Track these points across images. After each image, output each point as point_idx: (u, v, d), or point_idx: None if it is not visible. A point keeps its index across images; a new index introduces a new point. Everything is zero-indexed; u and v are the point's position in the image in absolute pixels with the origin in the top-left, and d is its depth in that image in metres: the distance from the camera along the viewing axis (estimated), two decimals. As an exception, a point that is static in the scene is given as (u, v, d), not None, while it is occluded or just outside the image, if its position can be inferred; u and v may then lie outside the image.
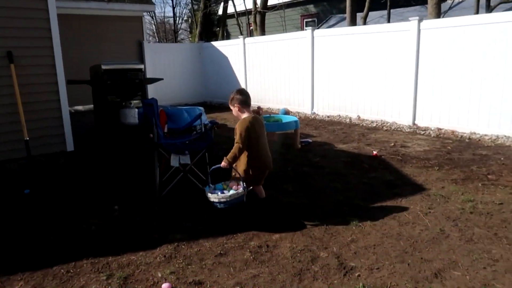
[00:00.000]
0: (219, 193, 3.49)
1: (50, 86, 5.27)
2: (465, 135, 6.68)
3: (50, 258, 3.05)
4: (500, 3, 11.72)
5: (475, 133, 6.65)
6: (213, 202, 3.47)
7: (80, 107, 11.49)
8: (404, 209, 3.84)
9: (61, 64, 5.31)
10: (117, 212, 3.91)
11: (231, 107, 3.77)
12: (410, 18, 7.47)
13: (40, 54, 5.16)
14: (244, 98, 3.75)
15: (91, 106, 8.21)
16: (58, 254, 3.11)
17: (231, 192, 3.49)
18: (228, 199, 3.41)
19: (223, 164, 3.52)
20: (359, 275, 2.75)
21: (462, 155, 5.58)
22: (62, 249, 3.20)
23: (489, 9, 11.25)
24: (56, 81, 5.29)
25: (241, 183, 3.53)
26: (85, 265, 2.95)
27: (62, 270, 2.87)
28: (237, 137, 3.57)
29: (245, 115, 3.73)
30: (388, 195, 4.21)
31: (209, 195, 3.49)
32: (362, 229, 3.45)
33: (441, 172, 4.88)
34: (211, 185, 3.63)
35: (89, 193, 4.50)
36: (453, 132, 6.91)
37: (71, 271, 2.87)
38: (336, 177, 4.88)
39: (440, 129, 7.13)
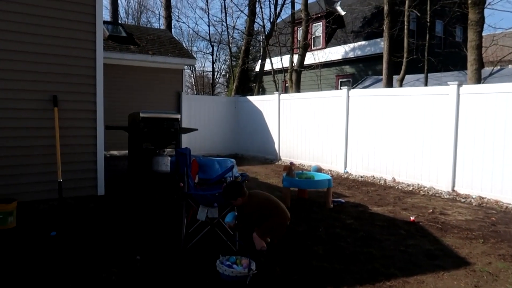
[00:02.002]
0: (224, 265, 3.50)
1: (89, 130, 5.43)
2: (510, 206, 6.24)
3: (67, 307, 2.92)
4: (543, 71, 11.46)
5: (521, 205, 6.20)
6: (218, 270, 3.49)
7: (115, 152, 11.80)
8: (447, 284, 3.49)
9: (101, 110, 5.50)
10: (139, 263, 3.77)
11: (236, 202, 3.85)
12: (449, 83, 7.37)
13: (83, 100, 5.38)
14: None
15: (126, 151, 8.39)
16: (75, 303, 2.98)
17: (237, 269, 3.47)
18: (230, 274, 3.41)
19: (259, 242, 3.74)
20: None
21: (509, 228, 5.15)
22: (80, 298, 3.06)
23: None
24: (95, 126, 5.46)
25: (253, 264, 3.50)
26: (101, 318, 2.79)
27: (77, 322, 2.72)
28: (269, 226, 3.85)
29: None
30: (429, 267, 3.87)
31: (217, 262, 3.55)
32: (400, 303, 3.13)
33: (487, 246, 4.49)
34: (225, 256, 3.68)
35: (114, 240, 4.41)
36: (496, 202, 6.48)
37: (86, 324, 2.71)
38: (371, 242, 4.58)
39: (482, 197, 6.72)
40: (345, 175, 9.26)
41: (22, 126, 4.94)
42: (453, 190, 7.23)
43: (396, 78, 13.62)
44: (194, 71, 34.09)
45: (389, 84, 12.90)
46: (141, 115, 7.25)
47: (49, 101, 5.07)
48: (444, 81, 7.91)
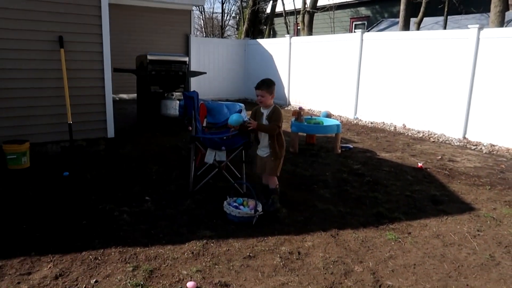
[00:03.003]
0: (231, 206, 3.57)
1: (96, 72, 5.36)
2: (521, 154, 6.18)
3: (80, 242, 3.05)
4: None
5: (533, 153, 6.13)
6: (225, 211, 3.57)
7: (124, 95, 11.78)
8: (450, 228, 3.55)
9: (108, 52, 5.40)
10: (149, 203, 3.89)
11: (268, 95, 3.65)
12: (469, 26, 7.01)
13: (89, 41, 5.25)
14: None
15: (135, 95, 8.36)
16: (88, 239, 3.11)
17: (244, 210, 3.54)
18: (236, 215, 3.48)
19: (251, 125, 3.59)
20: (396, 296, 2.54)
21: (518, 176, 5.14)
22: (93, 234, 3.20)
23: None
24: (102, 68, 5.38)
25: (259, 206, 3.56)
26: (113, 253, 2.92)
27: (91, 257, 2.86)
28: (278, 121, 3.62)
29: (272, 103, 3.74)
30: (433, 212, 3.92)
31: (225, 203, 3.61)
32: (402, 245, 3.21)
33: (493, 192, 4.51)
34: (232, 197, 3.74)
35: (124, 181, 4.53)
36: (508, 150, 6.41)
37: (99, 258, 2.85)
38: (377, 186, 4.63)
39: (494, 145, 6.64)
40: (355, 121, 9.18)
41: (30, 67, 4.90)
42: (464, 137, 7.15)
43: (413, 21, 13.02)
44: (203, 13, 33.02)
45: (406, 27, 12.36)
46: (149, 57, 7.13)
47: (55, 42, 4.97)
48: (465, 25, 7.52)
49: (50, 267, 2.71)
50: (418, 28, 12.69)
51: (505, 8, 8.96)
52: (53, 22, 4.98)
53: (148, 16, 11.69)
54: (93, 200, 3.91)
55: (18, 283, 2.53)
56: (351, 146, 6.59)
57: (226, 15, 31.54)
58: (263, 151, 3.75)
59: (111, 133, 5.61)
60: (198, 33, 32.72)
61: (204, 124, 5.15)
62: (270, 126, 3.64)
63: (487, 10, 10.44)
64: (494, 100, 6.70)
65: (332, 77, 10.05)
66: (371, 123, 8.87)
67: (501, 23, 8.76)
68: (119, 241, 3.10)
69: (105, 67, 5.40)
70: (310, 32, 15.10)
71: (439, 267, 2.90)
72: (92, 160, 5.21)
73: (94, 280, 2.59)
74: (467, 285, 2.68)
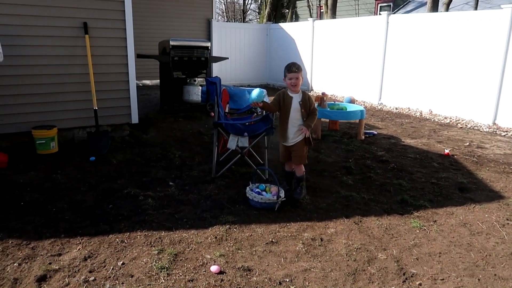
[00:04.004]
0: (254, 192, 3.57)
1: (120, 58, 5.41)
2: (555, 140, 5.94)
3: (108, 226, 3.14)
4: None
5: None
6: (248, 197, 3.58)
7: (147, 81, 11.90)
8: (478, 217, 3.46)
9: (131, 38, 5.42)
10: (173, 188, 3.94)
11: (301, 78, 3.62)
12: (502, 6, 6.69)
13: (113, 27, 5.29)
14: None
15: (158, 81, 8.43)
16: (115, 222, 3.19)
17: (266, 196, 3.55)
18: (259, 200, 3.49)
19: (307, 133, 3.56)
20: (420, 284, 2.51)
21: (550, 163, 4.95)
22: (119, 218, 3.27)
23: None
24: (126, 54, 5.42)
25: (282, 192, 3.55)
26: (139, 237, 2.99)
27: (117, 240, 2.94)
28: (313, 106, 3.64)
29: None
30: (460, 200, 3.83)
31: (247, 189, 3.63)
32: (427, 233, 3.16)
33: (524, 180, 4.36)
34: (255, 183, 3.76)
35: (148, 166, 4.60)
36: (540, 136, 6.17)
37: (126, 241, 2.92)
38: (402, 173, 4.55)
39: (525, 131, 6.41)
40: (379, 107, 9.00)
41: (55, 54, 4.98)
42: (494, 123, 6.91)
43: (442, 1, 12.55)
44: (225, -3, 32.75)
45: (434, 8, 11.93)
46: (171, 43, 7.14)
47: (80, 28, 5.03)
48: (497, 4, 7.19)
49: (79, 249, 2.80)
50: (447, 9, 12.23)
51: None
52: (78, 9, 5.04)
53: (169, 1, 11.69)
54: (118, 184, 4.00)
55: (50, 263, 2.62)
56: (375, 132, 6.47)
57: (248, -1, 31.18)
58: (291, 138, 3.69)
59: (135, 119, 5.68)
60: (219, 18, 32.55)
61: (227, 110, 5.16)
62: (313, 116, 3.64)
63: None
64: (527, 84, 6.43)
65: (356, 62, 9.84)
66: (396, 108, 8.68)
67: (537, 2, 8.33)
68: (144, 225, 3.16)
69: (129, 53, 5.44)
70: (333, 15, 14.78)
71: (466, 256, 2.84)
72: (117, 145, 5.31)
73: (121, 262, 2.66)
74: (495, 274, 2.62)
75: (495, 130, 6.66)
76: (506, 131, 6.53)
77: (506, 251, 2.91)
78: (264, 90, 3.82)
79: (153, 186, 3.96)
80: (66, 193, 3.76)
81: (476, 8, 12.16)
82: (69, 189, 3.86)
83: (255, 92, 3.60)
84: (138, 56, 6.84)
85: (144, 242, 2.91)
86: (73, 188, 3.87)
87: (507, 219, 3.41)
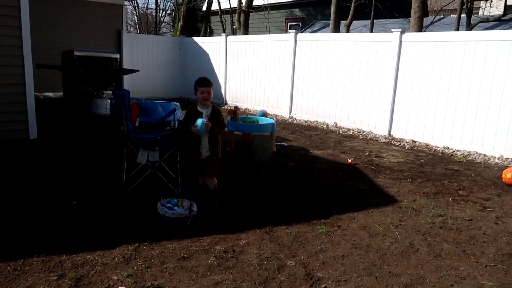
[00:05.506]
0: (165, 207, 3.52)
1: (15, 68, 4.97)
2: (438, 149, 6.74)
3: (-3, 253, 2.81)
4: (480, 22, 11.98)
5: (448, 148, 6.71)
6: (159, 212, 3.52)
7: (50, 94, 11.02)
8: (376, 220, 3.78)
9: (29, 47, 5.02)
10: (76, 208, 3.68)
11: (211, 91, 3.60)
12: (392, 30, 7.50)
13: (6, 34, 4.85)
14: None
15: (62, 93, 7.86)
16: (7, 249, 2.88)
17: (178, 210, 3.52)
18: (171, 216, 3.45)
19: (208, 124, 3.47)
20: (325, 287, 2.65)
21: (435, 169, 5.60)
22: (12, 244, 2.96)
23: (469, 27, 11.48)
24: (22, 64, 5.00)
25: (194, 206, 3.55)
26: (35, 263, 2.73)
27: (9, 268, 2.65)
28: (221, 120, 3.66)
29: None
30: (361, 205, 4.15)
31: (158, 204, 3.56)
32: (332, 238, 3.36)
33: (414, 185, 4.88)
34: (166, 198, 3.69)
35: (48, 185, 4.24)
36: (427, 145, 6.97)
37: (19, 269, 2.65)
38: (311, 183, 4.80)
39: (415, 141, 7.18)
40: (290, 120, 9.43)
41: None
42: (389, 135, 7.65)
43: (343, 23, 13.65)
44: (137, 8, 31.87)
45: (337, 29, 12.93)
46: (76, 53, 6.75)
47: (-35, 34, 4.54)
48: (389, 28, 8.04)
49: (-40, 282, 2.47)
50: (347, 31, 13.33)
51: (423, 14, 9.72)
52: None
53: (76, 10, 11.03)
54: (13, 206, 3.61)
55: None
56: (286, 144, 6.76)
57: (161, 11, 30.74)
58: (202, 151, 3.67)
59: (33, 134, 5.23)
60: (132, 30, 31.53)
61: (137, 124, 4.99)
62: (220, 125, 3.64)
63: (409, 15, 11.25)
64: (415, 100, 7.24)
65: (268, 76, 10.23)
66: (305, 121, 9.16)
67: (420, 28, 9.49)
68: (42, 249, 2.90)
69: (26, 63, 5.02)
70: (246, 31, 15.22)
71: (365, 257, 3.08)
72: (12, 163, 4.82)
73: (12, 293, 2.40)
74: (390, 272, 2.87)
75: (390, 140, 7.37)
76: (399, 141, 7.26)
77: (398, 249, 3.21)
78: (203, 119, 3.54)
79: (54, 207, 3.65)
80: None
81: (371, 31, 13.44)
82: (-50, 214, 3.39)
83: (200, 124, 3.44)
84: (38, 66, 6.32)
85: (41, 268, 2.67)
86: (-45, 213, 3.41)
87: (400, 221, 3.78)
